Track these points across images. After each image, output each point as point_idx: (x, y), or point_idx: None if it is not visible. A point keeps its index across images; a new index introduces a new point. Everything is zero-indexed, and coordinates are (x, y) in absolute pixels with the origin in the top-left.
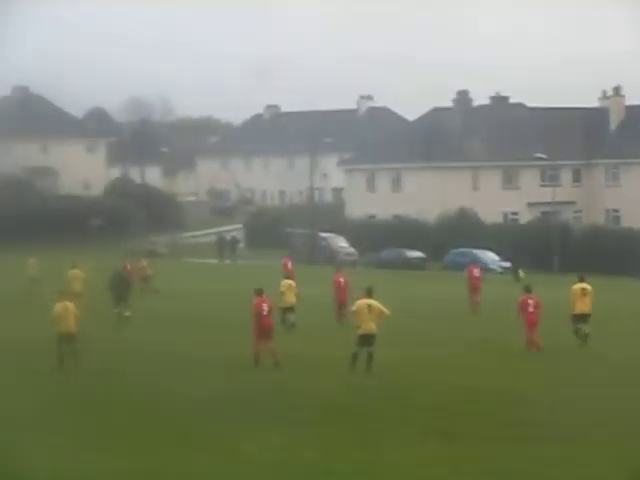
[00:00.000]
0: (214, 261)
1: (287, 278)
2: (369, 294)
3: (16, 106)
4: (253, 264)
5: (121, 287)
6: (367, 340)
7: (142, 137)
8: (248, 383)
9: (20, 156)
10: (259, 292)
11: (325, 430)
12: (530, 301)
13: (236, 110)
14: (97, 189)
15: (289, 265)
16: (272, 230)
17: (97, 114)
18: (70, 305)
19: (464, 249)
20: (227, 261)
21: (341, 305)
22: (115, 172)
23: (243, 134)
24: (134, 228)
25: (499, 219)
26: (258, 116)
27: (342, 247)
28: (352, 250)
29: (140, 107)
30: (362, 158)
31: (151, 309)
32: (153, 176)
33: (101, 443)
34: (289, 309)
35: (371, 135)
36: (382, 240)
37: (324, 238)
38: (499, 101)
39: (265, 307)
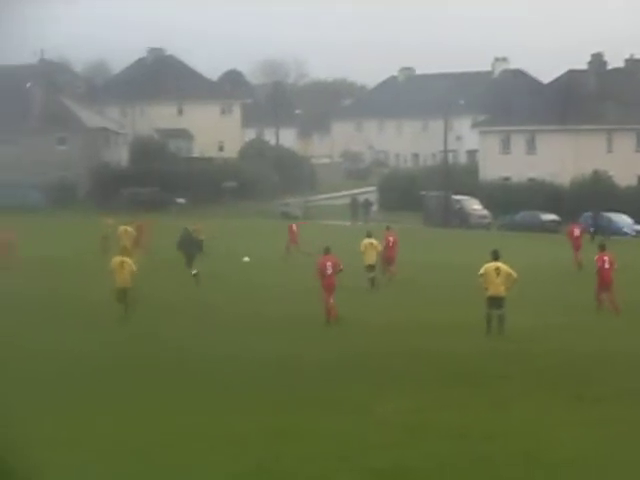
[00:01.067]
0: (347, 223)
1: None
2: (496, 257)
3: (151, 68)
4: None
5: (190, 248)
6: (496, 302)
7: (277, 99)
8: (379, 346)
9: (155, 118)
10: (326, 251)
11: (458, 393)
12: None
13: (370, 72)
14: (231, 151)
15: None
16: (405, 193)
17: (232, 76)
18: (126, 260)
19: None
20: (360, 223)
21: (388, 262)
22: (250, 134)
23: (377, 96)
24: (268, 190)
25: (633, 182)
26: (392, 78)
27: (476, 209)
28: (486, 212)
29: (275, 69)
30: (496, 120)
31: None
32: (287, 138)
33: (239, 404)
34: (370, 267)
35: (505, 97)
36: (516, 203)
37: (458, 201)
38: (634, 64)
39: (329, 266)
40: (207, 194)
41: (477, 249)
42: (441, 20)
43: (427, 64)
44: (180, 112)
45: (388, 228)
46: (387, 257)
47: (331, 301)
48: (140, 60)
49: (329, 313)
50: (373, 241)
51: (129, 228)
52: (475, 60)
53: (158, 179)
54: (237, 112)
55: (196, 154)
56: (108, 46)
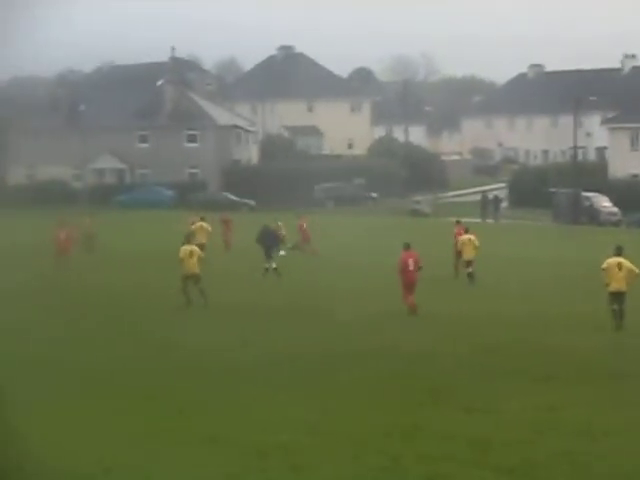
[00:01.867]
0: (477, 220)
1: None
2: (619, 253)
3: (281, 65)
4: (515, 223)
5: (269, 242)
6: (617, 298)
7: (406, 96)
8: (500, 341)
9: (285, 115)
10: (406, 247)
11: (583, 390)
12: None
13: (500, 69)
14: (361, 149)
15: None
16: (535, 189)
17: (362, 74)
18: (195, 248)
19: None
20: (490, 220)
21: (459, 256)
22: (379, 132)
23: (507, 93)
24: (397, 187)
25: None
26: (522, 75)
27: (605, 207)
28: (615, 210)
29: (405, 66)
30: (626, 117)
31: None
32: (417, 135)
33: (368, 402)
34: (468, 262)
35: (635, 94)
36: None
37: (587, 197)
38: None
39: (411, 262)
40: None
41: (604, 246)
42: (570, 17)
43: (556, 61)
44: (310, 109)
45: (458, 222)
46: (459, 253)
47: (411, 297)
48: (270, 58)
49: (411, 308)
50: (471, 237)
51: (205, 224)
52: (604, 57)
53: (287, 176)
54: (366, 109)
55: (325, 151)
56: (239, 44)
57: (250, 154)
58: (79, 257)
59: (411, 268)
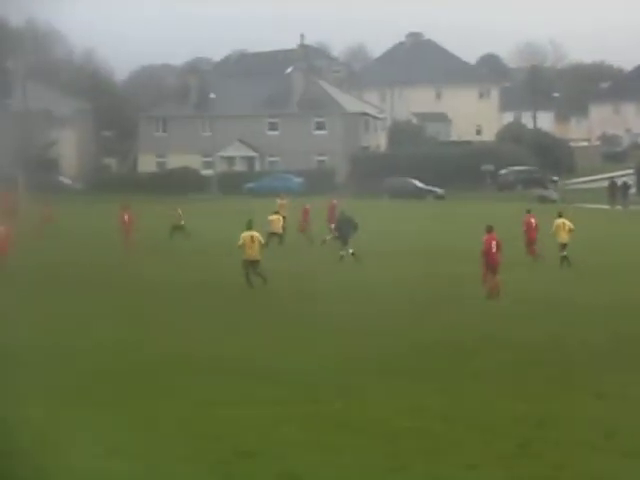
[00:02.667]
0: (605, 207)
1: None
2: None
3: (410, 52)
4: None
5: (346, 229)
6: None
7: (534, 83)
8: (621, 329)
9: (413, 102)
10: (489, 229)
11: None
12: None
13: (628, 55)
14: (489, 135)
15: None
16: None
17: (490, 60)
18: (256, 235)
19: None
20: (618, 207)
21: (531, 242)
22: (507, 118)
23: (635, 79)
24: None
25: None
26: None
27: None
28: None
29: (532, 53)
30: None
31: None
32: (545, 121)
33: (489, 388)
34: (562, 245)
35: None
36: None
37: None
38: None
39: (494, 244)
40: (465, 178)
41: None
42: None
43: None
44: (438, 96)
45: (529, 211)
46: (530, 238)
47: (497, 277)
48: (399, 44)
49: (492, 290)
50: (565, 221)
51: (274, 217)
52: None
53: (415, 163)
54: (495, 96)
55: (454, 138)
56: (367, 30)
57: (378, 141)
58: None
59: (494, 250)
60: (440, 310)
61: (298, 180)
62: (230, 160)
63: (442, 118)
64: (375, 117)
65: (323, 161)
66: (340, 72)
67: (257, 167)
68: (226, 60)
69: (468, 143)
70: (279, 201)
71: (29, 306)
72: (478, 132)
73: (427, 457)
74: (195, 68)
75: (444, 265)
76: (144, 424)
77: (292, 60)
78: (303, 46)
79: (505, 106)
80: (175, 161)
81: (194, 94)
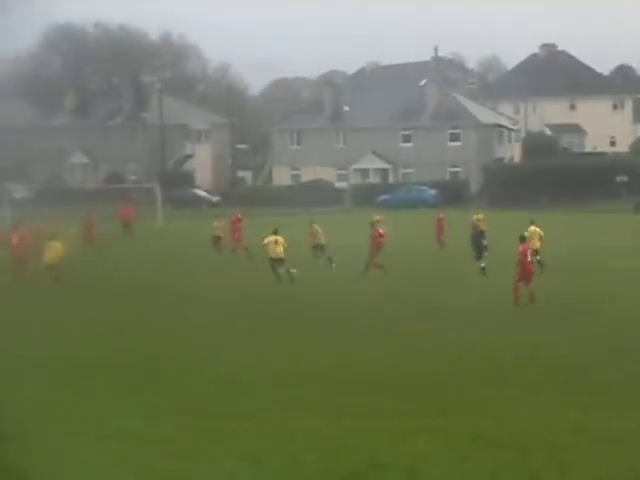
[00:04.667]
0: None
1: None
2: None
3: (543, 63)
4: None
5: (480, 242)
6: None
7: None
8: None
9: (547, 113)
10: (522, 239)
11: None
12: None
13: None
14: (623, 146)
15: None
16: None
17: (623, 71)
18: (279, 238)
19: None
20: None
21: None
22: None
23: None
24: None
25: None
26: None
27: None
28: None
29: None
30: None
31: None
32: None
33: (614, 399)
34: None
35: None
36: None
37: None
38: None
39: (529, 254)
40: (599, 189)
41: None
42: None
43: None
44: (572, 107)
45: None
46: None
47: (528, 286)
48: (533, 56)
49: (529, 296)
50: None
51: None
52: None
53: (550, 175)
54: (629, 107)
55: (588, 149)
56: (501, 42)
57: (512, 152)
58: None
59: (529, 259)
60: (570, 323)
61: (432, 192)
62: (364, 172)
63: (576, 129)
64: (509, 129)
65: (457, 173)
66: (474, 84)
67: (391, 179)
68: (360, 73)
69: (602, 154)
70: (376, 217)
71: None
72: (612, 143)
73: (561, 471)
74: (329, 81)
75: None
76: (276, 434)
77: (426, 72)
78: (437, 58)
79: (639, 117)
80: (309, 174)
81: (328, 107)
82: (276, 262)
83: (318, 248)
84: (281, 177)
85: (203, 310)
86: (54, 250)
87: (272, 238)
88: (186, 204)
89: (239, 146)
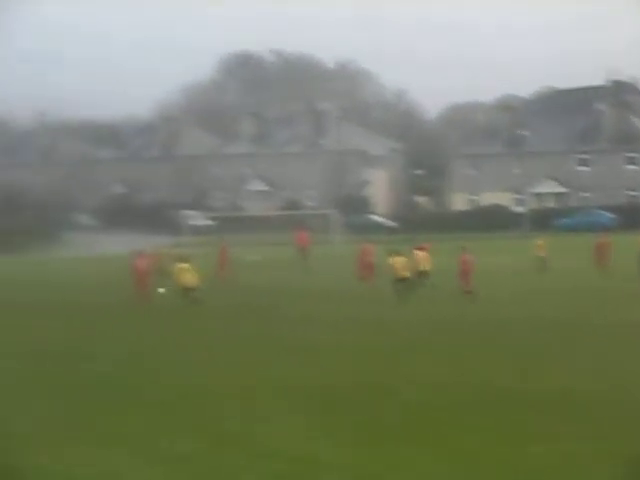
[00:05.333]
0: None
1: None
2: None
3: None
4: None
5: None
6: None
7: None
8: None
9: None
10: None
11: None
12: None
13: None
14: None
15: None
16: None
17: None
18: (403, 260)
19: None
20: None
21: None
22: None
23: None
24: None
25: None
26: None
27: None
28: None
29: None
30: None
31: None
32: None
33: None
34: None
35: None
36: None
37: None
38: None
39: None
40: None
41: None
42: None
43: None
44: None
45: None
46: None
47: None
48: None
49: None
50: None
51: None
52: None
53: None
54: None
55: None
56: None
57: None
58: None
59: None
60: None
61: (610, 216)
62: (541, 197)
63: None
64: None
65: (635, 196)
66: None
67: (568, 203)
68: (535, 97)
69: None
70: (538, 242)
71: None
72: None
73: None
74: (507, 105)
75: None
76: (462, 460)
77: (602, 96)
78: (614, 82)
79: None
80: (486, 199)
81: (505, 131)
82: (401, 281)
83: (420, 275)
84: (458, 202)
85: (388, 332)
86: (191, 273)
87: (399, 258)
88: (363, 230)
89: (415, 171)
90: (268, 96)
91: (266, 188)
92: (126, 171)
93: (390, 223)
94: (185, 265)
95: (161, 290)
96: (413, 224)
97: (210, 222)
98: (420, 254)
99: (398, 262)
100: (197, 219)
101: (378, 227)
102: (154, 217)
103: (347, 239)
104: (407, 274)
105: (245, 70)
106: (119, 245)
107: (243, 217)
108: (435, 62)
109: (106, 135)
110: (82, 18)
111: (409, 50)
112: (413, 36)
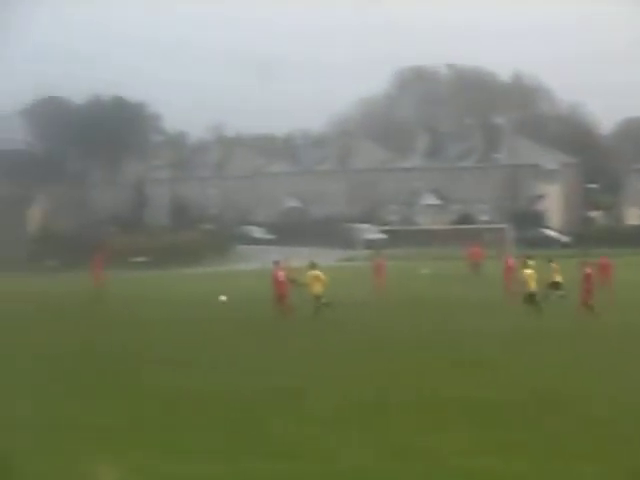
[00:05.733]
0: None
1: None
2: None
3: None
4: None
5: None
6: None
7: None
8: None
9: None
10: None
11: None
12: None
13: None
14: None
15: None
16: None
17: None
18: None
19: None
20: None
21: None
22: None
23: None
24: None
25: None
26: None
27: None
28: None
29: None
30: None
31: None
32: None
33: None
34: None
35: None
36: None
37: None
38: None
39: None
40: None
41: None
42: None
43: None
44: None
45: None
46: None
47: None
48: None
49: None
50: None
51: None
52: None
53: None
54: None
55: None
56: None
57: None
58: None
59: None
60: None
61: None
62: None
63: None
64: None
65: None
66: None
67: None
68: None
69: None
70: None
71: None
72: None
73: None
74: None
75: None
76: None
77: None
78: None
79: None
80: None
81: None
82: (553, 286)
83: (553, 286)
84: (632, 217)
85: (554, 344)
86: (321, 281)
87: (527, 272)
88: (537, 244)
89: (590, 186)
90: (442, 110)
91: (439, 202)
92: (299, 184)
93: (564, 238)
94: (317, 273)
95: (222, 298)
96: (587, 239)
97: (383, 236)
98: (554, 266)
99: (529, 274)
100: (370, 232)
101: (552, 242)
102: (327, 230)
103: (520, 253)
104: (535, 285)
105: (419, 84)
106: (292, 258)
107: (415, 231)
108: (612, 77)
109: (280, 149)
110: (262, 42)
111: (584, 65)
112: (589, 56)
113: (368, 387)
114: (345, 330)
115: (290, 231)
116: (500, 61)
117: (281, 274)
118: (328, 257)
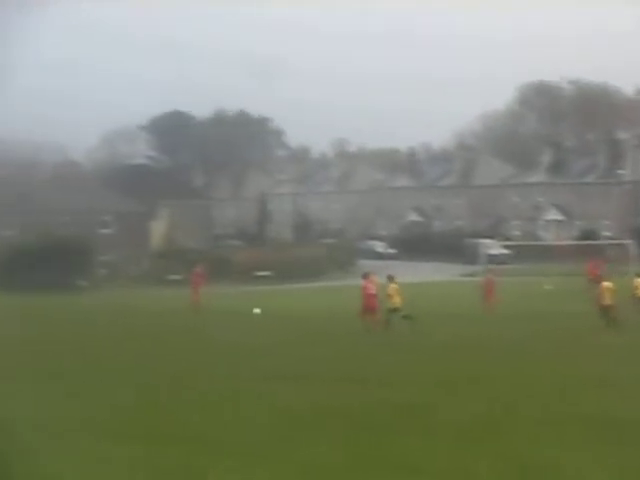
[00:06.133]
0: None
1: None
2: None
3: None
4: None
5: None
6: None
7: None
8: None
9: None
10: None
11: None
12: None
13: None
14: None
15: None
16: None
17: None
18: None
19: None
20: None
21: None
22: None
23: None
24: None
25: None
26: None
27: None
28: None
29: None
30: None
31: None
32: None
33: None
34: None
35: None
36: None
37: None
38: None
39: None
40: None
41: None
42: None
43: None
44: None
45: None
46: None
47: None
48: None
49: None
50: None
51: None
52: None
53: None
54: None
55: None
56: None
57: None
58: None
59: None
60: None
61: None
62: None
63: None
64: None
65: None
66: None
67: None
68: None
69: None
70: None
71: None
72: None
73: None
74: None
75: None
76: None
77: None
78: None
79: None
80: None
81: None
82: (604, 310)
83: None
84: None
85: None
86: (399, 294)
87: (605, 285)
88: None
89: None
90: (564, 125)
91: (562, 217)
92: (422, 199)
93: None
94: (395, 286)
95: (257, 310)
96: None
97: (506, 251)
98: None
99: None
100: (493, 248)
101: None
102: (449, 245)
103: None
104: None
105: (542, 99)
106: (415, 273)
107: (538, 246)
108: None
109: (402, 163)
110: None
111: None
112: None
113: (499, 399)
114: (455, 345)
115: (412, 246)
116: (623, 75)
117: (371, 286)
118: (450, 272)
